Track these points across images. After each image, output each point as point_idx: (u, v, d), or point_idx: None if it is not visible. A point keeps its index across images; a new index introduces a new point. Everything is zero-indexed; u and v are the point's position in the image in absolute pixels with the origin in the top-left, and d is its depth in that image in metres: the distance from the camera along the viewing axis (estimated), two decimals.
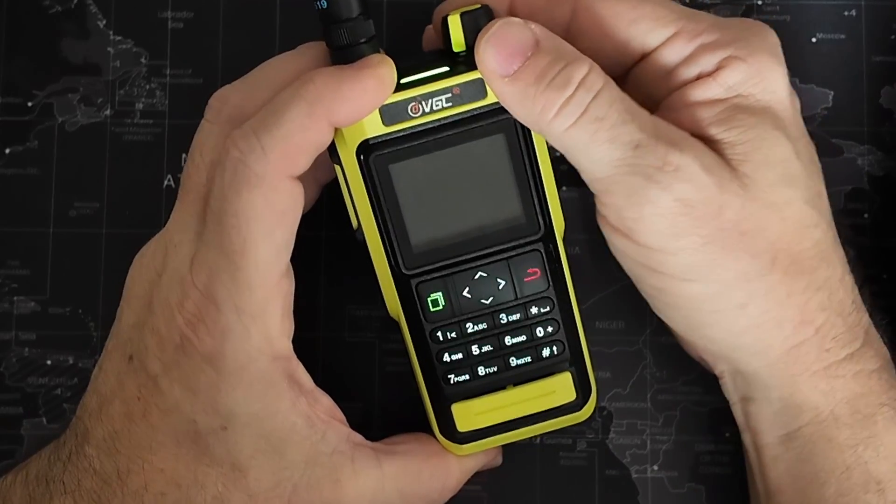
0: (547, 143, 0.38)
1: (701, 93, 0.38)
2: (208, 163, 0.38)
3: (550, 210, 0.39)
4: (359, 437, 0.40)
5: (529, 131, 0.38)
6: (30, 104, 0.47)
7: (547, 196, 0.39)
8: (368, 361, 0.46)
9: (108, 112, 0.47)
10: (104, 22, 0.47)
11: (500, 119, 0.38)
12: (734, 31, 0.39)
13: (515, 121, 0.38)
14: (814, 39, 0.47)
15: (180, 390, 0.37)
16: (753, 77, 0.38)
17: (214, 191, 0.37)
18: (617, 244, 0.39)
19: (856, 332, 0.38)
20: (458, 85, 0.37)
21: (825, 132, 0.46)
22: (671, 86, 0.39)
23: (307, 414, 0.38)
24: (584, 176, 0.38)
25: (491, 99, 0.38)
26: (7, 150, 0.47)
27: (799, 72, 0.46)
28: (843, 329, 0.38)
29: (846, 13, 0.47)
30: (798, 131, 0.39)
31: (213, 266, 0.36)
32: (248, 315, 0.36)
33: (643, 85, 0.40)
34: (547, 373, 0.41)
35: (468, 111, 0.38)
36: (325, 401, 0.39)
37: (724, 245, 0.37)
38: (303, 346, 0.39)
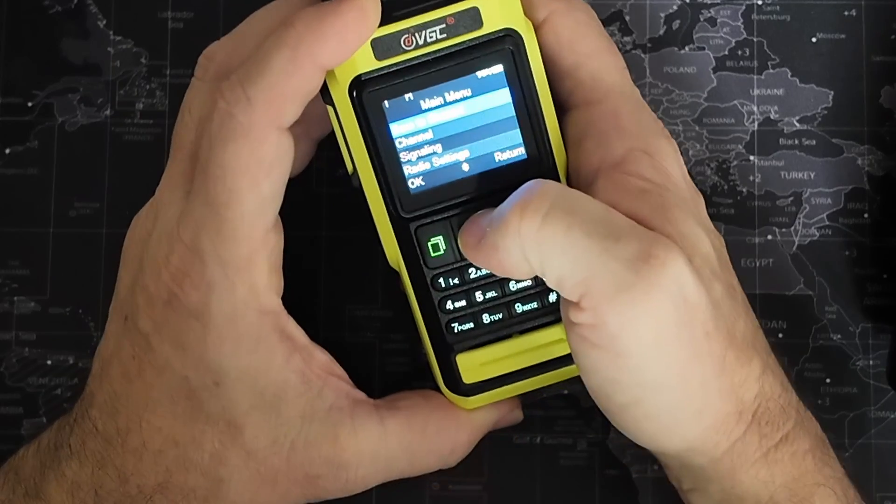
0: (546, 77, 0.37)
1: (634, 181, 0.36)
2: (196, 120, 0.37)
3: (553, 145, 0.38)
4: (360, 394, 0.39)
5: (529, 64, 0.37)
6: (30, 104, 0.47)
7: (549, 130, 0.37)
8: (368, 361, 0.46)
9: (108, 112, 0.47)
10: (104, 22, 0.47)
11: (498, 49, 0.36)
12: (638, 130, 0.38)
13: (514, 51, 0.36)
14: (814, 39, 0.47)
15: (170, 347, 0.37)
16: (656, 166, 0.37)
17: (203, 144, 0.36)
18: (590, 360, 0.35)
19: (788, 413, 0.37)
20: (451, 14, 0.35)
21: (825, 132, 0.46)
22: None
23: (302, 370, 0.38)
24: (561, 286, 0.34)
25: (487, 29, 0.36)
26: (7, 150, 0.47)
27: (799, 72, 0.46)
28: (777, 412, 0.37)
29: (846, 13, 0.47)
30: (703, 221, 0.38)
31: (199, 219, 0.36)
32: (232, 268, 0.36)
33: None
34: (555, 320, 0.39)
35: (464, 42, 0.36)
36: (322, 356, 0.39)
37: (695, 351, 0.34)
38: None
